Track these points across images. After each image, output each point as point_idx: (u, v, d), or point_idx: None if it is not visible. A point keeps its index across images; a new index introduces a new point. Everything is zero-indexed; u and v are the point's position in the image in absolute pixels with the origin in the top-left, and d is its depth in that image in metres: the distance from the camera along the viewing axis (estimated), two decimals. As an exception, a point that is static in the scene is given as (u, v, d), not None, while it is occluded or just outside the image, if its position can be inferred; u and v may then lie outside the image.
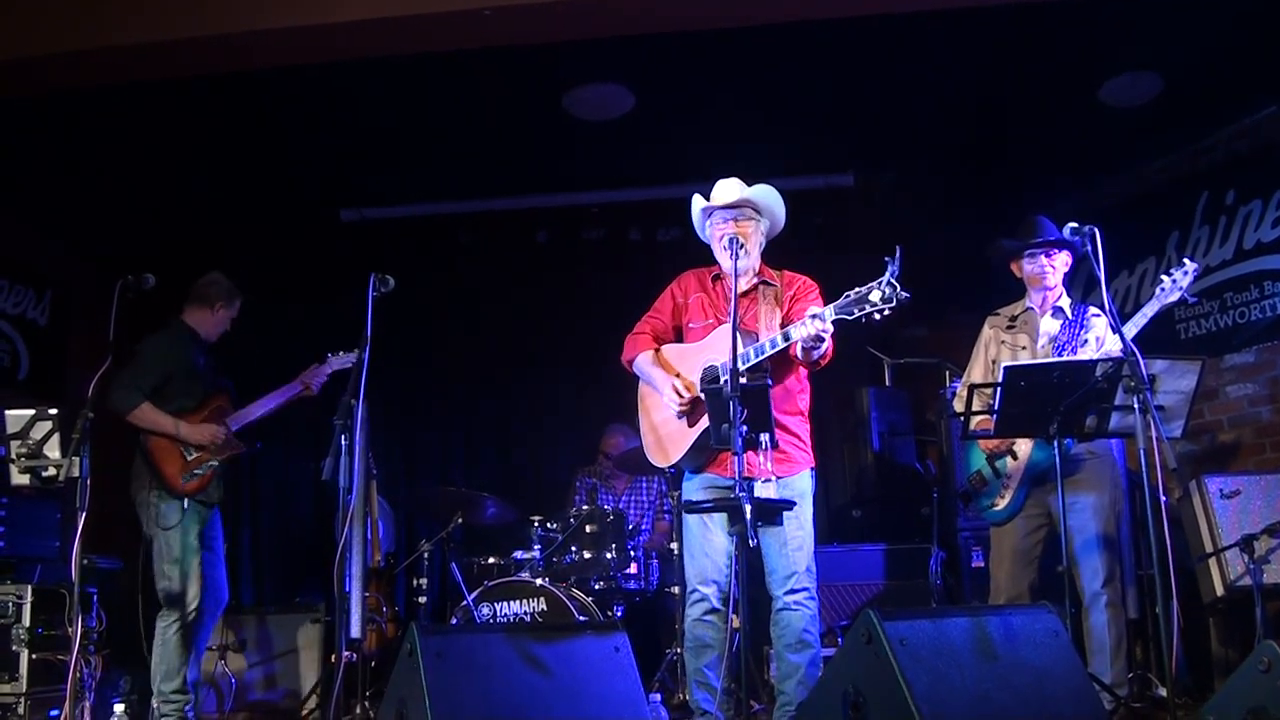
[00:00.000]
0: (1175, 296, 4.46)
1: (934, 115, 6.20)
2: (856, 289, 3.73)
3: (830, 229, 7.28)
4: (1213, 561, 5.04)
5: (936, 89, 5.91)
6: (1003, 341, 4.93)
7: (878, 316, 3.68)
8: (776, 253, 4.54)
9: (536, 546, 5.89)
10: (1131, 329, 4.33)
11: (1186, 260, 4.49)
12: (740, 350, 3.85)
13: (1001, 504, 4.77)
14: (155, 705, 4.87)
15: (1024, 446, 4.70)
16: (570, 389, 7.93)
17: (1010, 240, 4.95)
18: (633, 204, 7.25)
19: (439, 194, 7.19)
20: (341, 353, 5.27)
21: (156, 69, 5.13)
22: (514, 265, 7.71)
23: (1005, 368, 4.28)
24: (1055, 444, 4.30)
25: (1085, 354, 4.57)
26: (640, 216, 7.36)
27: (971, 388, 4.63)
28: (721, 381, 3.91)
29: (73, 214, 6.85)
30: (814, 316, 3.79)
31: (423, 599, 6.07)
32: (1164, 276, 4.49)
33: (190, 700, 4.94)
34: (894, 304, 3.64)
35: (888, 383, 7.16)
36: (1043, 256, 4.83)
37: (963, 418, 4.57)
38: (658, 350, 4.40)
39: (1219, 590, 5.01)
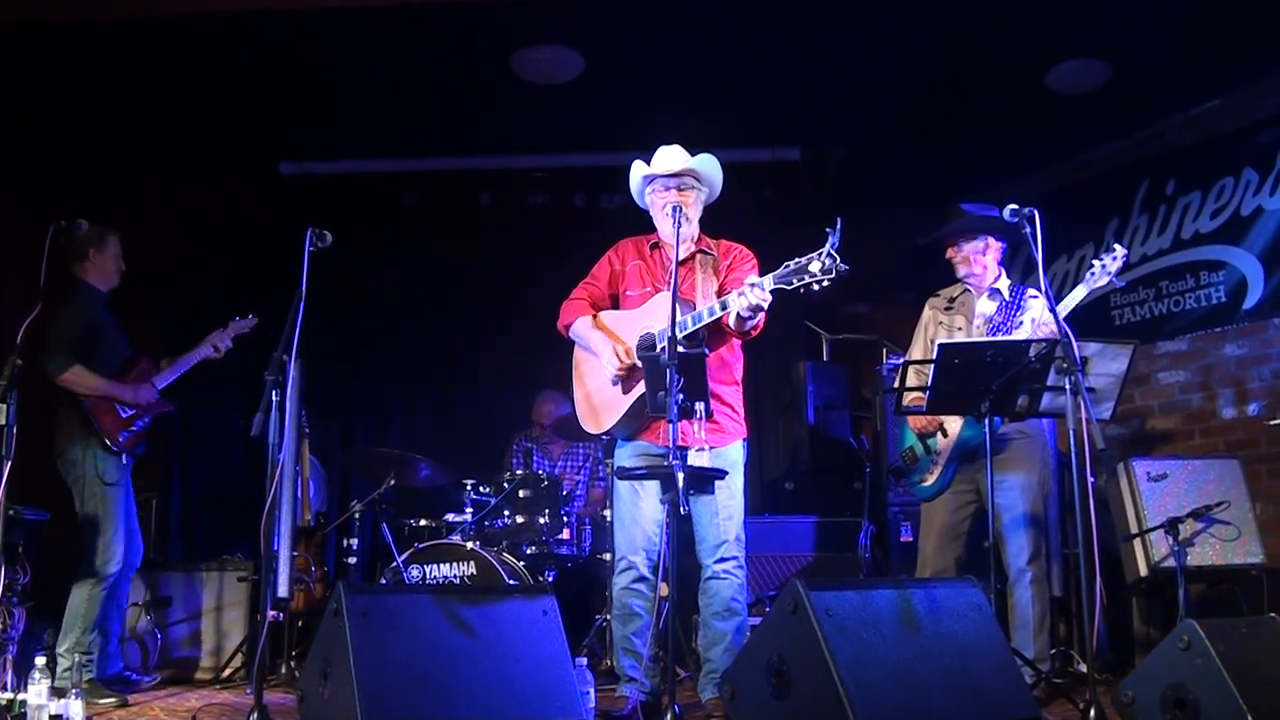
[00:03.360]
0: (1104, 281, 4.52)
1: (883, 94, 6.22)
2: (796, 259, 3.74)
3: (775, 202, 7.30)
4: (1137, 542, 5.15)
5: (886, 68, 5.92)
6: (940, 322, 4.98)
7: (816, 287, 3.69)
8: (719, 224, 4.55)
9: (469, 509, 5.87)
10: (1061, 310, 4.40)
11: (1117, 245, 4.54)
12: (678, 318, 3.85)
13: (930, 480, 4.83)
14: (74, 658, 4.84)
15: (954, 424, 4.75)
16: (510, 353, 7.88)
17: (923, 236, 5.03)
18: (578, 169, 7.22)
19: (383, 150, 7.11)
20: (250, 316, 5.39)
21: (91, 9, 5.01)
22: (457, 226, 7.64)
23: (939, 345, 4.32)
24: (986, 422, 4.36)
25: (1020, 335, 4.63)
26: (585, 182, 7.33)
27: (906, 364, 4.67)
28: (659, 349, 3.92)
29: (5, 157, 6.67)
30: (753, 285, 3.80)
31: (352, 559, 6.03)
32: (1095, 261, 4.55)
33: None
34: (833, 275, 3.65)
35: (825, 358, 7.21)
36: (956, 245, 4.91)
37: (897, 394, 4.62)
38: (595, 316, 4.39)
39: (1142, 570, 5.13)
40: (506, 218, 7.54)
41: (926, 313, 5.07)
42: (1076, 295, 4.53)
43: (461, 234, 7.70)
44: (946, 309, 4.99)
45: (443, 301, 7.91)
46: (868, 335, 6.85)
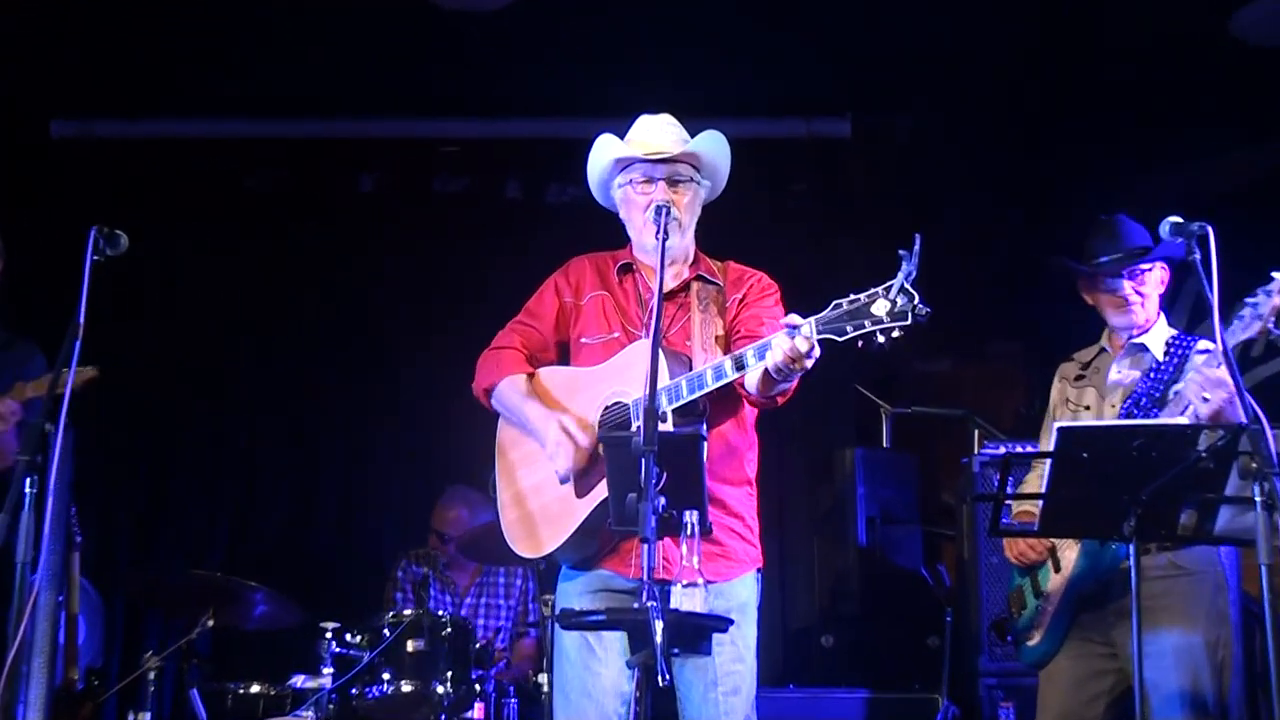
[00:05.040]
0: (1254, 329, 4.52)
1: (973, 41, 6.28)
2: (851, 295, 3.69)
3: (812, 200, 7.34)
4: (1372, 735, 5.13)
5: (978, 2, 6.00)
6: (1067, 400, 4.99)
7: (880, 339, 3.66)
8: (722, 233, 4.54)
9: (328, 669, 5.81)
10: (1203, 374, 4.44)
11: (1276, 274, 4.49)
12: (666, 381, 3.84)
13: (1037, 638, 4.83)
14: None
15: (1070, 553, 4.75)
16: (400, 425, 7.86)
17: (1072, 259, 5.00)
18: (512, 143, 7.25)
19: (213, 107, 7.10)
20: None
21: None
22: (324, 224, 7.64)
23: (1058, 429, 4.28)
24: (1131, 550, 4.34)
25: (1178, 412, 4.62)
26: (523, 162, 7.37)
27: (1009, 459, 4.66)
28: (633, 428, 3.90)
29: None
30: (791, 329, 3.75)
31: (144, 743, 5.97)
32: (1247, 302, 4.51)
33: None
34: (908, 322, 3.61)
35: (886, 443, 7.20)
36: (1127, 278, 4.90)
37: (993, 503, 4.60)
38: (533, 376, 4.36)
39: (1383, 779, 5.10)
40: (400, 213, 7.55)
41: (1055, 385, 5.09)
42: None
43: (331, 236, 7.69)
44: (1077, 379, 5.00)
45: (297, 338, 7.87)
46: (950, 408, 6.86)
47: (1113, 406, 4.82)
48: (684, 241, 4.31)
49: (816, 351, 3.70)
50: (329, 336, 7.89)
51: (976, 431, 6.54)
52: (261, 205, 7.53)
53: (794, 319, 3.70)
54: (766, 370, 3.79)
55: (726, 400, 4.15)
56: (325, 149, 7.33)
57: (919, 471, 7.18)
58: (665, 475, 3.52)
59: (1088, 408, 4.89)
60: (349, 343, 7.90)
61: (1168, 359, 4.81)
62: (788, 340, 3.68)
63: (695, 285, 4.34)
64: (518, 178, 7.44)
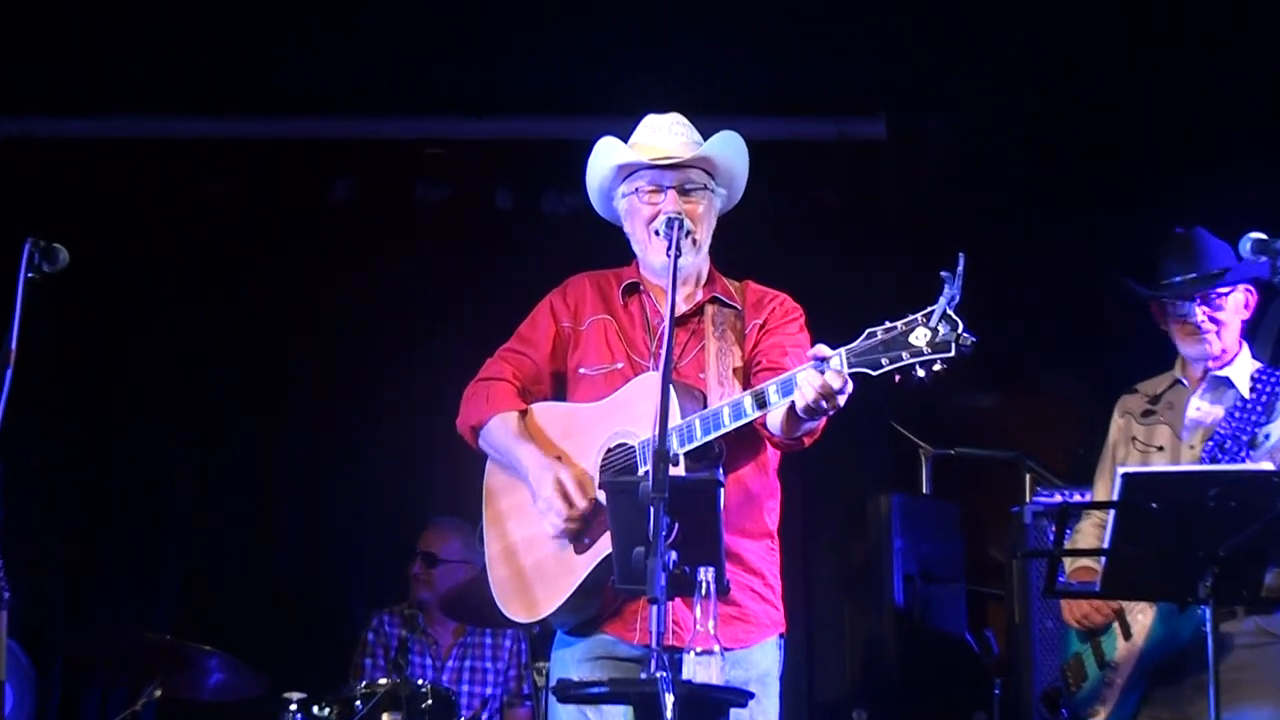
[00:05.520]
0: None
1: (1024, 30, 6.28)
2: (887, 323, 3.67)
3: (845, 209, 7.33)
4: None
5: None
6: (1133, 438, 4.96)
7: (920, 372, 3.65)
8: (737, 248, 4.53)
9: (293, 745, 5.82)
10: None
11: None
12: (677, 420, 3.82)
13: (1102, 715, 4.80)
14: None
15: (1143, 617, 4.73)
16: (376, 462, 7.83)
17: (1138, 283, 4.97)
18: (502, 145, 7.25)
19: (161, 102, 7.11)
20: None
21: None
22: (291, 236, 7.64)
23: (1124, 475, 4.28)
24: (1207, 614, 4.32)
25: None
26: (514, 167, 7.36)
27: (1066, 509, 4.64)
28: (640, 473, 3.88)
29: None
30: (819, 362, 3.73)
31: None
32: None
33: None
34: (950, 354, 3.60)
35: (926, 489, 7.19)
36: (1200, 304, 4.86)
37: (1048, 559, 4.58)
38: (525, 413, 4.34)
39: None
40: (377, 223, 7.53)
41: (1117, 420, 5.05)
42: None
43: (299, 248, 7.67)
44: (1145, 414, 4.97)
45: (258, 369, 7.84)
46: (998, 450, 6.84)
47: (1192, 448, 4.78)
48: (698, 259, 4.28)
49: (849, 387, 3.65)
50: (293, 363, 7.86)
51: (1029, 476, 6.52)
52: (222, 213, 7.51)
53: (822, 350, 3.65)
54: (792, 408, 3.75)
55: (746, 441, 4.10)
56: (293, 151, 7.33)
57: (963, 522, 7.16)
58: (677, 527, 3.49)
59: (1160, 448, 4.85)
60: (317, 369, 7.86)
61: (1255, 395, 4.77)
62: (816, 375, 3.63)
63: (710, 309, 4.31)
64: (509, 184, 7.43)
